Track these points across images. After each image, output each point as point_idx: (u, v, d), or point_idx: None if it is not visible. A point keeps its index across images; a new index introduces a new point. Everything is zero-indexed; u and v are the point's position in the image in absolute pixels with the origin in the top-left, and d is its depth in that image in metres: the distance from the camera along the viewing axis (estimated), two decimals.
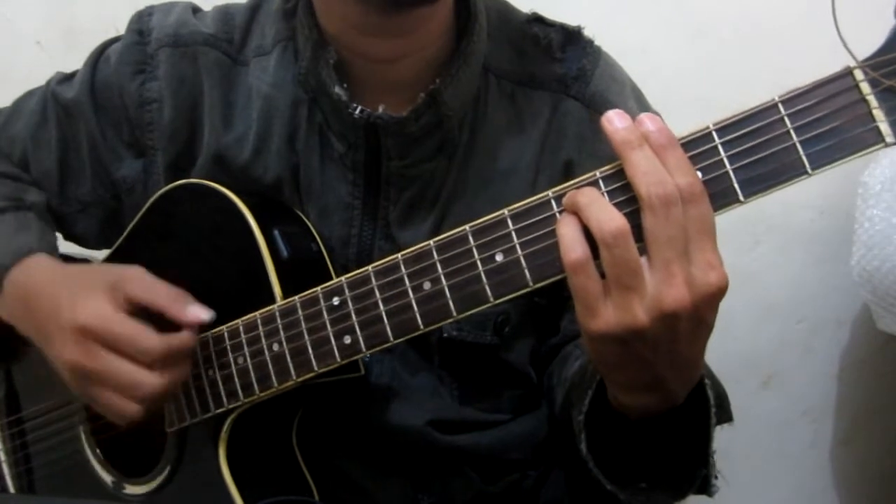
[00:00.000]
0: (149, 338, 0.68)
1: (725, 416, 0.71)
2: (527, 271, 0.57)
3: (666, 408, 0.59)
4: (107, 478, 0.83)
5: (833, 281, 1.30)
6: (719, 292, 0.51)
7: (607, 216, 0.52)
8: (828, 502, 1.42)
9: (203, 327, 0.73)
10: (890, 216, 1.08)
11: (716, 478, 0.67)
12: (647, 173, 0.51)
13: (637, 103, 0.83)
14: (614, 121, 0.53)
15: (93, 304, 0.69)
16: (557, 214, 0.56)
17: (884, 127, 0.49)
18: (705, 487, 0.66)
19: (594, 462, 0.63)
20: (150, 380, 0.67)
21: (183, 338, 0.69)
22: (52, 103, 0.88)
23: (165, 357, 0.68)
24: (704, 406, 0.62)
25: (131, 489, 0.82)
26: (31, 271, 0.78)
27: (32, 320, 0.76)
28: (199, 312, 0.70)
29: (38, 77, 0.94)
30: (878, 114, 0.49)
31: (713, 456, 0.64)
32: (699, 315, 0.52)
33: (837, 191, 1.11)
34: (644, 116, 0.53)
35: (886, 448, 1.39)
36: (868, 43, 0.50)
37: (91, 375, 0.69)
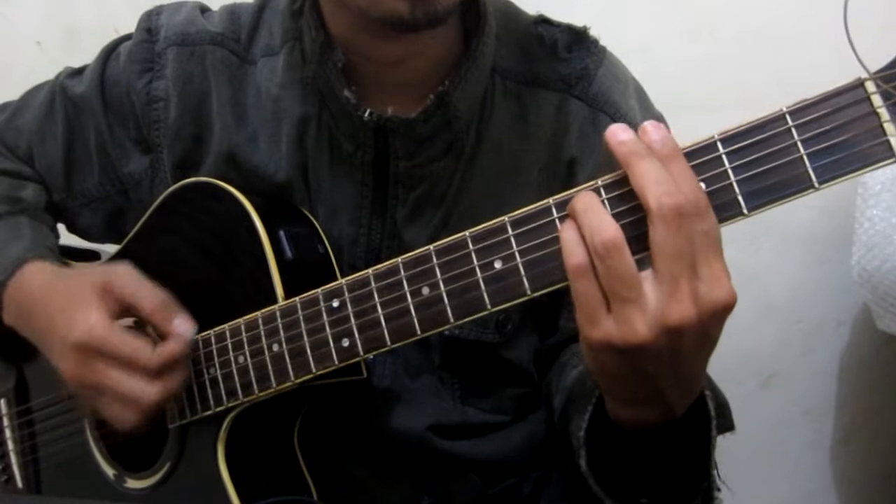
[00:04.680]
0: (144, 352, 0.69)
1: (727, 424, 0.70)
2: (525, 279, 0.56)
3: (664, 421, 0.58)
4: (109, 471, 0.83)
5: (833, 281, 1.30)
6: (726, 308, 0.50)
7: (600, 225, 0.51)
8: (828, 502, 1.43)
9: (205, 326, 0.74)
10: (890, 216, 1.08)
11: (718, 490, 0.66)
12: (658, 183, 0.49)
13: (639, 103, 0.82)
14: (618, 134, 0.51)
15: (86, 319, 0.70)
16: (557, 221, 0.55)
17: (895, 141, 0.48)
18: (708, 501, 0.65)
19: (594, 479, 0.62)
20: (149, 391, 0.69)
21: (176, 347, 0.70)
22: (61, 96, 0.89)
23: (162, 368, 0.69)
24: (705, 419, 0.60)
25: (132, 483, 0.82)
26: (25, 283, 0.78)
27: (33, 332, 0.77)
28: (181, 326, 0.71)
29: (38, 77, 0.94)
30: (890, 127, 0.48)
31: (715, 469, 0.62)
32: (704, 330, 0.51)
33: (837, 191, 1.11)
34: (647, 125, 0.52)
35: (886, 448, 1.39)
36: (876, 50, 0.49)
37: (92, 388, 0.71)
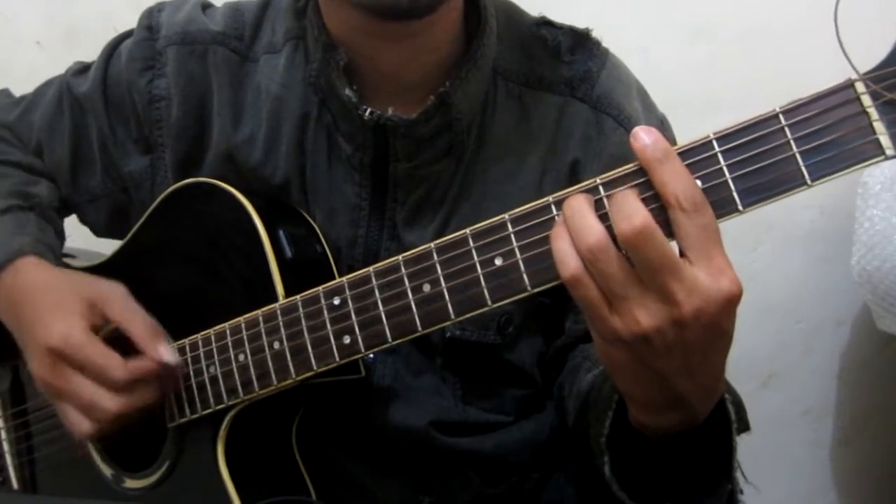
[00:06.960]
0: (114, 365, 0.71)
1: (742, 425, 0.70)
2: (525, 276, 0.57)
3: (687, 427, 0.58)
4: (107, 471, 0.83)
5: (833, 281, 1.30)
6: (733, 297, 0.51)
7: (587, 230, 0.51)
8: (828, 502, 1.43)
9: (204, 325, 0.74)
10: (890, 216, 1.08)
11: (741, 492, 0.67)
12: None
13: (643, 104, 0.82)
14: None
15: (66, 325, 0.72)
16: (557, 219, 0.56)
17: (884, 139, 0.49)
18: (732, 502, 0.66)
19: (618, 485, 0.62)
20: (110, 403, 0.71)
21: (148, 365, 0.72)
22: (67, 95, 0.89)
23: (129, 383, 0.71)
24: (725, 422, 0.60)
25: (131, 483, 0.82)
26: (19, 275, 0.79)
27: (16, 325, 0.78)
28: (167, 354, 0.72)
29: (38, 77, 0.95)
30: (879, 126, 0.49)
31: (738, 470, 0.62)
32: (713, 322, 0.51)
33: (837, 191, 1.12)
34: (638, 130, 0.52)
35: (886, 448, 1.40)
36: (866, 52, 0.50)
37: (56, 391, 0.73)
